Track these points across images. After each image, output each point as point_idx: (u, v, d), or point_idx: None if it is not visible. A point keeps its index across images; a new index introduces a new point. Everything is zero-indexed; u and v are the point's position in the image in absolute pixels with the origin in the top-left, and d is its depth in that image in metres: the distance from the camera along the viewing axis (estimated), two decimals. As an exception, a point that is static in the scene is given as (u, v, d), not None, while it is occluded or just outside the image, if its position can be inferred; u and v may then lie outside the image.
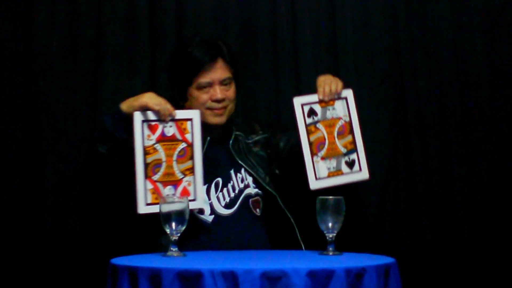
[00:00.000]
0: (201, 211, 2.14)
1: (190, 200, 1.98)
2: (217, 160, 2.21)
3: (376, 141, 2.66)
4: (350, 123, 2.16)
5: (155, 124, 2.04)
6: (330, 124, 2.15)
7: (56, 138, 2.58)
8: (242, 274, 1.53)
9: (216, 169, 2.20)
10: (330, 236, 1.85)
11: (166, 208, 1.84)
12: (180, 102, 2.23)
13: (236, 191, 2.20)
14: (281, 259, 1.88)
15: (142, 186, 2.00)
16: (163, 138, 2.04)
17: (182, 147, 2.06)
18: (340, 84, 2.20)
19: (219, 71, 2.22)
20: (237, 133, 2.30)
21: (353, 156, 2.15)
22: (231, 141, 2.27)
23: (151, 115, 2.04)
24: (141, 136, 2.02)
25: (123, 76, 2.66)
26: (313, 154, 2.12)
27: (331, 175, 2.12)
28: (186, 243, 1.96)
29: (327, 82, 2.18)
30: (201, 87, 2.21)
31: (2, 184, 2.53)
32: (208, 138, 2.22)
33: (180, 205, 1.84)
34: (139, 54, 2.67)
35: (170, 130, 2.05)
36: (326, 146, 2.13)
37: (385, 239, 2.63)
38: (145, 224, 2.10)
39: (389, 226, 2.65)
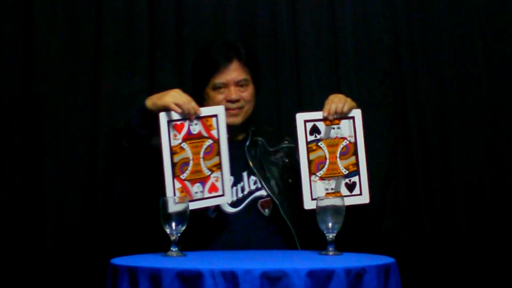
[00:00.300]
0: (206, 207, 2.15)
1: (219, 196, 2.05)
2: (231, 159, 2.22)
3: (376, 141, 2.66)
4: (355, 144, 2.10)
5: (181, 123, 2.03)
6: (333, 143, 2.09)
7: (56, 138, 2.58)
8: (242, 274, 1.53)
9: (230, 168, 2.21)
10: (330, 236, 1.85)
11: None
12: (198, 102, 2.24)
13: (245, 192, 2.21)
14: (281, 259, 1.88)
15: (171, 186, 1.99)
16: (189, 137, 2.04)
17: (209, 143, 2.06)
18: (348, 104, 2.13)
19: (234, 72, 2.24)
20: (258, 138, 2.31)
21: (355, 178, 2.08)
22: (247, 144, 2.29)
23: (176, 115, 2.02)
24: (167, 137, 2.01)
25: (123, 76, 2.66)
26: (311, 173, 2.06)
27: (328, 196, 2.04)
28: (187, 240, 1.97)
29: (335, 101, 2.13)
30: (216, 88, 2.24)
31: (2, 184, 2.53)
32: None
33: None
34: (139, 54, 2.67)
35: (196, 128, 2.05)
36: (326, 166, 2.08)
37: (385, 239, 2.63)
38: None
39: (389, 226, 2.65)
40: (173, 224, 1.83)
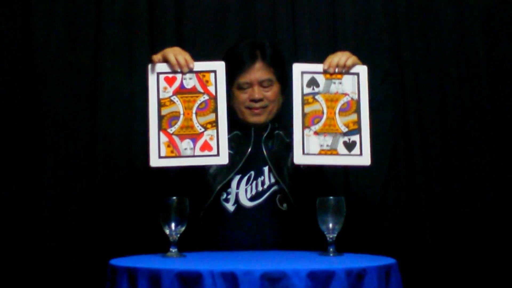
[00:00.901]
0: (226, 199, 2.15)
1: (213, 155, 1.90)
2: (255, 154, 2.22)
3: (376, 141, 2.65)
4: (357, 101, 1.95)
5: (173, 76, 1.93)
6: (332, 98, 1.93)
7: (56, 138, 2.58)
8: (242, 275, 1.53)
9: (252, 162, 2.21)
10: (331, 236, 1.83)
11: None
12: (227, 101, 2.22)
13: (265, 186, 2.21)
14: (281, 260, 1.87)
15: (156, 139, 1.88)
16: (181, 91, 1.93)
17: (204, 99, 1.93)
18: (352, 59, 2.01)
19: (258, 72, 2.23)
20: (277, 131, 2.28)
21: (355, 137, 1.92)
22: (264, 136, 2.27)
23: (168, 67, 1.93)
24: (156, 88, 1.91)
25: (122, 75, 2.66)
26: (304, 126, 1.91)
27: (322, 152, 1.91)
28: (206, 232, 2.00)
29: (338, 54, 2.03)
30: (240, 87, 2.23)
31: (2, 184, 2.53)
32: (253, 128, 2.25)
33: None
34: (138, 53, 2.67)
35: (190, 82, 1.94)
36: (323, 121, 1.92)
37: (386, 239, 2.63)
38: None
39: (389, 226, 2.65)
40: (173, 225, 1.83)
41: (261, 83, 2.23)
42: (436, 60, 2.73)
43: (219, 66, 1.95)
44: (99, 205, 2.57)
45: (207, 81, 1.94)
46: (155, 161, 1.86)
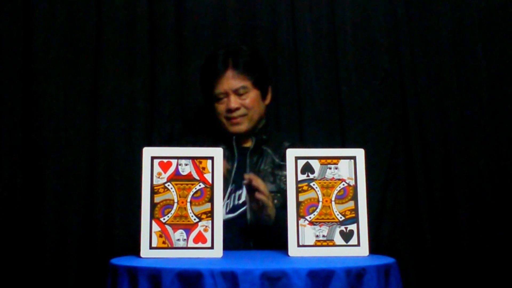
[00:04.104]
0: None
1: (207, 248, 1.78)
2: (238, 168, 2.22)
3: (376, 141, 2.66)
4: (355, 187, 1.85)
5: (168, 161, 1.83)
6: (328, 185, 1.84)
7: (56, 138, 2.58)
8: (242, 274, 1.53)
9: (235, 177, 2.21)
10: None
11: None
12: (210, 117, 2.25)
13: (241, 201, 2.20)
14: (281, 259, 1.87)
15: (147, 228, 1.79)
16: (176, 177, 1.83)
17: (200, 187, 1.82)
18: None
19: (231, 81, 2.23)
20: (266, 147, 2.27)
21: (352, 226, 1.83)
22: (248, 152, 2.26)
23: (163, 151, 1.84)
24: (149, 174, 1.82)
25: (122, 76, 2.66)
26: (299, 216, 1.81)
27: (318, 244, 1.81)
28: None
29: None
30: (218, 99, 2.24)
31: (2, 184, 2.53)
32: (234, 143, 2.25)
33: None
34: (139, 54, 2.67)
35: (186, 168, 1.83)
36: (318, 210, 1.82)
37: (385, 239, 2.63)
38: None
39: (389, 226, 2.65)
40: (173, 225, 1.81)
41: (236, 92, 2.22)
42: (436, 60, 2.73)
43: (217, 153, 1.84)
44: (99, 205, 2.57)
45: (203, 168, 1.83)
46: (145, 252, 1.77)
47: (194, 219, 1.80)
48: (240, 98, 2.23)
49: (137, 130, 2.64)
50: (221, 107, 2.24)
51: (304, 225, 1.81)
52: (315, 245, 1.80)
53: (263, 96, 2.31)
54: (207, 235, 1.79)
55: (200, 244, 1.78)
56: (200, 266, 1.57)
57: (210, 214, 1.80)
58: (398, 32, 2.74)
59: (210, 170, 1.83)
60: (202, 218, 1.80)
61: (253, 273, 1.53)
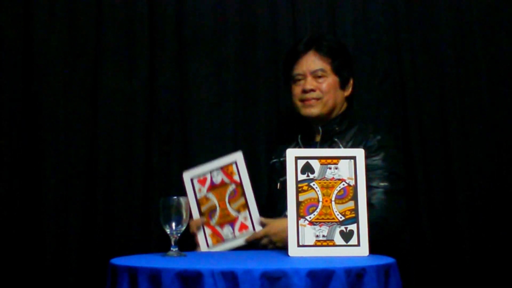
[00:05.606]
0: None
1: (250, 232, 2.14)
2: None
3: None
4: (355, 187, 1.83)
5: (204, 177, 2.21)
6: (328, 185, 1.84)
7: (56, 138, 2.59)
8: (242, 274, 1.53)
9: None
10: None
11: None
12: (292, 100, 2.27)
13: None
14: (281, 259, 1.87)
15: (202, 233, 2.19)
16: (213, 186, 2.19)
17: (232, 188, 2.18)
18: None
19: (310, 62, 2.23)
20: (336, 139, 2.23)
21: (352, 226, 1.81)
22: (318, 144, 2.25)
23: (197, 172, 2.20)
24: (192, 192, 2.20)
25: (122, 76, 2.66)
26: (299, 216, 1.81)
27: (318, 244, 1.80)
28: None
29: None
30: (295, 80, 2.24)
31: (2, 184, 2.53)
32: (300, 135, 2.26)
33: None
34: (138, 54, 2.67)
35: (218, 177, 2.20)
36: (318, 210, 1.82)
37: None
38: None
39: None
40: (173, 224, 1.83)
41: (314, 74, 2.21)
42: (435, 60, 2.73)
43: (238, 156, 2.18)
44: (99, 205, 2.57)
45: (231, 172, 2.18)
46: (205, 250, 2.17)
47: (235, 214, 2.17)
48: (317, 81, 2.22)
49: (136, 130, 2.64)
50: (297, 89, 2.23)
51: (304, 225, 1.81)
52: (315, 245, 1.80)
53: (342, 86, 2.27)
54: (248, 223, 2.15)
55: (244, 232, 2.15)
56: (200, 266, 1.57)
57: (245, 206, 2.16)
58: (398, 32, 2.74)
59: (237, 172, 2.18)
60: (240, 211, 2.17)
61: (253, 273, 1.53)
